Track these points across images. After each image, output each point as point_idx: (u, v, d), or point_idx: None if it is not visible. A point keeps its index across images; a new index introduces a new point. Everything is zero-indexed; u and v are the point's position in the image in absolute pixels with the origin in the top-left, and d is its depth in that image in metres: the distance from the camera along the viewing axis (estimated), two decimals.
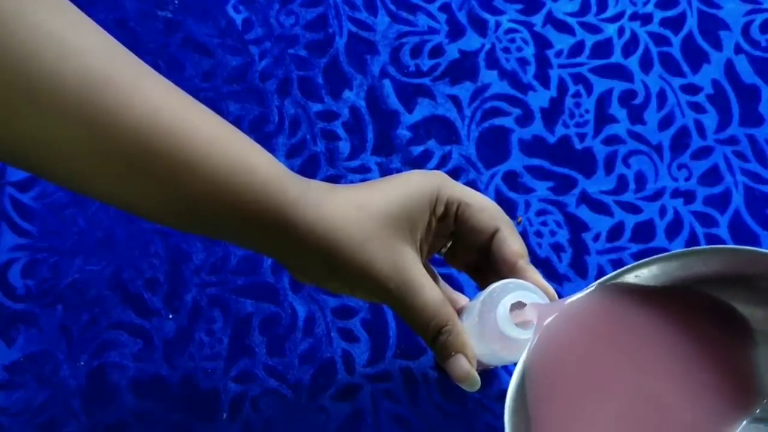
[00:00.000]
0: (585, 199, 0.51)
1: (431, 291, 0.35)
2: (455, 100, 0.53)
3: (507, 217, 0.39)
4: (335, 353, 0.47)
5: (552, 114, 0.53)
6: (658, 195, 0.51)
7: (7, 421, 0.44)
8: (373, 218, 0.35)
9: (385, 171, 0.51)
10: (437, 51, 0.55)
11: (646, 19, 0.56)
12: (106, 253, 0.48)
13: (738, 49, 0.55)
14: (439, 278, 0.41)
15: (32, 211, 0.49)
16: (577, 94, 0.53)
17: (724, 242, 0.50)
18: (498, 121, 0.53)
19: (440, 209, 0.37)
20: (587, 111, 0.53)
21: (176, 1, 0.55)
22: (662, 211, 0.51)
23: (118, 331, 0.47)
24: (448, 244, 0.41)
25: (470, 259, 0.41)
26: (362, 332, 0.47)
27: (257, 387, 0.46)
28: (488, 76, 0.54)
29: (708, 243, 0.50)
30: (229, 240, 0.36)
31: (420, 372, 0.46)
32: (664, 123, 0.53)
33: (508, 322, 0.35)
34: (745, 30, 0.56)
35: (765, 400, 0.32)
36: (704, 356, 0.34)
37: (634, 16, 0.56)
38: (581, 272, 0.49)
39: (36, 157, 0.30)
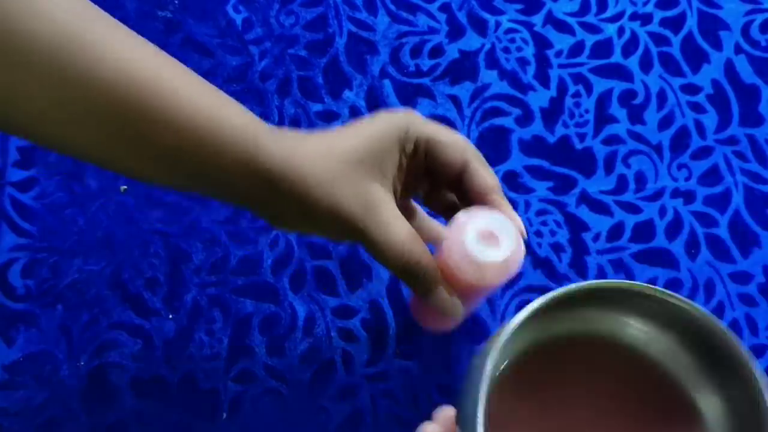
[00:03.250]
0: (585, 199, 0.51)
1: (402, 228, 0.35)
2: (455, 100, 0.53)
3: (477, 152, 0.39)
4: (335, 353, 0.47)
5: (552, 114, 0.53)
6: (658, 195, 0.51)
7: (7, 421, 0.44)
8: (341, 160, 0.35)
9: None
10: (437, 51, 0.55)
11: (646, 19, 0.56)
12: (105, 253, 0.48)
13: (738, 49, 0.55)
14: (421, 213, 0.41)
15: (32, 211, 0.49)
16: (576, 94, 0.53)
17: (723, 242, 0.50)
18: (498, 121, 0.53)
19: (410, 147, 0.37)
20: (587, 111, 0.53)
21: (176, 1, 0.55)
22: (662, 211, 0.51)
23: (118, 331, 0.47)
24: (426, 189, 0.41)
25: (448, 200, 0.41)
26: (362, 332, 0.47)
27: (257, 387, 0.46)
28: (488, 76, 0.54)
29: (708, 243, 0.50)
30: (205, 192, 0.36)
31: (419, 372, 0.46)
32: (664, 123, 0.53)
33: (477, 246, 0.35)
34: (745, 30, 0.56)
35: None
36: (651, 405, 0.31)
37: (634, 16, 0.56)
38: (581, 272, 0.49)
39: (15, 116, 0.30)
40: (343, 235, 0.37)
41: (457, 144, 0.38)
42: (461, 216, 0.36)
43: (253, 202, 0.36)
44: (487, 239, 0.35)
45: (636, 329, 0.32)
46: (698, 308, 0.29)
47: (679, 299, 0.29)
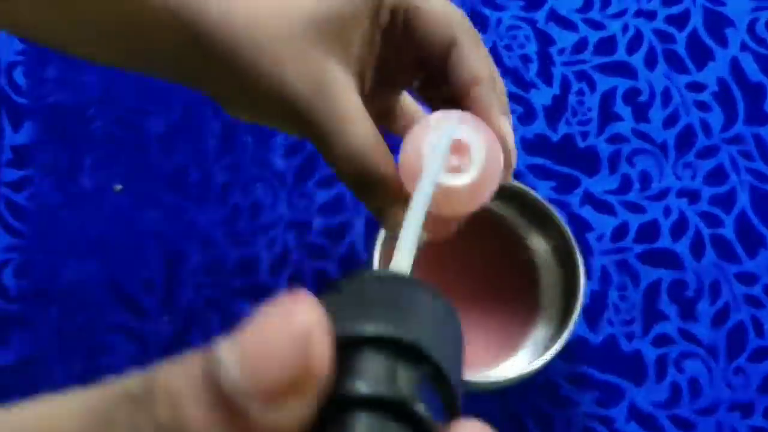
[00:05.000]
0: (588, 198, 0.50)
1: (360, 124, 0.27)
2: None
3: (471, 28, 0.29)
4: None
5: (555, 112, 0.52)
6: (662, 194, 0.50)
7: None
8: (291, 24, 0.27)
9: None
10: None
11: (651, 15, 0.55)
12: (100, 254, 0.48)
13: (744, 47, 0.54)
14: (414, 113, 0.34)
15: (26, 212, 0.48)
16: (580, 92, 0.53)
17: (729, 243, 0.49)
18: None
19: (385, 17, 0.29)
20: (590, 109, 0.52)
21: None
22: (667, 211, 0.50)
23: (113, 333, 0.46)
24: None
25: (446, 93, 0.31)
26: None
27: None
28: None
29: (713, 244, 0.49)
30: (132, 61, 0.29)
31: None
32: (669, 121, 0.52)
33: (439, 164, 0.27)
34: (751, 27, 0.55)
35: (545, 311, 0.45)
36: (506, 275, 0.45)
37: (638, 13, 0.55)
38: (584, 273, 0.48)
39: None
40: (290, 124, 0.29)
41: (444, 15, 0.29)
42: (428, 118, 0.28)
43: (186, 72, 0.29)
44: (456, 155, 0.27)
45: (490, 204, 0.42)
46: (523, 186, 0.44)
47: (512, 183, 0.44)
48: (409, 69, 0.31)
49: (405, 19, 0.29)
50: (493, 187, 0.28)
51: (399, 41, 0.29)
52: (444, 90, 0.30)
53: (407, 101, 0.35)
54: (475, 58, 0.28)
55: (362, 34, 0.28)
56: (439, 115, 0.28)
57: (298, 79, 0.27)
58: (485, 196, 0.28)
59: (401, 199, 0.28)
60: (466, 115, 0.28)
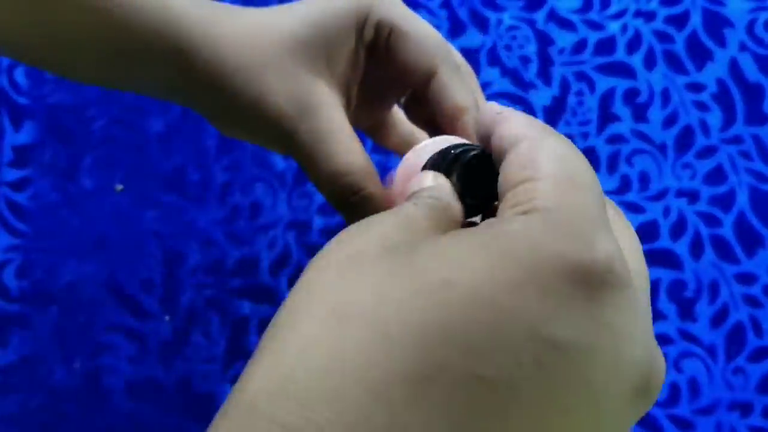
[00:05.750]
0: None
1: (344, 143, 0.27)
2: None
3: (451, 54, 0.30)
4: None
5: (554, 112, 0.52)
6: (661, 195, 0.50)
7: (1, 424, 0.44)
8: (275, 43, 0.27)
9: (385, 171, 0.50)
10: None
11: (650, 16, 0.55)
12: (100, 254, 0.48)
13: (743, 47, 0.54)
14: (407, 130, 0.33)
15: (26, 212, 0.48)
16: (579, 93, 0.53)
17: (728, 243, 0.49)
18: None
19: (369, 33, 0.28)
20: (590, 109, 0.52)
21: None
22: (666, 211, 0.50)
23: (113, 333, 0.46)
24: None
25: (428, 113, 0.30)
26: None
27: None
28: (490, 73, 0.53)
29: (713, 244, 0.49)
30: (117, 78, 0.30)
31: None
32: (668, 122, 0.52)
33: None
34: (750, 27, 0.55)
35: None
36: None
37: (637, 13, 0.55)
38: None
39: None
40: (273, 142, 0.29)
41: (426, 41, 0.28)
42: (424, 144, 0.27)
43: (173, 91, 0.29)
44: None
45: None
46: None
47: None
48: (395, 85, 0.31)
49: (388, 40, 0.29)
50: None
51: (383, 58, 0.29)
52: (428, 111, 0.30)
53: (401, 117, 0.35)
54: (456, 88, 0.28)
55: (347, 51, 0.28)
56: (438, 140, 0.28)
57: (283, 99, 0.27)
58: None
59: None
60: (451, 139, 0.28)
